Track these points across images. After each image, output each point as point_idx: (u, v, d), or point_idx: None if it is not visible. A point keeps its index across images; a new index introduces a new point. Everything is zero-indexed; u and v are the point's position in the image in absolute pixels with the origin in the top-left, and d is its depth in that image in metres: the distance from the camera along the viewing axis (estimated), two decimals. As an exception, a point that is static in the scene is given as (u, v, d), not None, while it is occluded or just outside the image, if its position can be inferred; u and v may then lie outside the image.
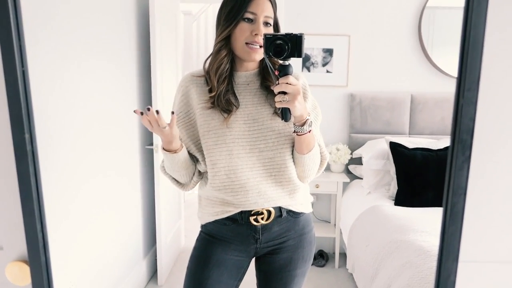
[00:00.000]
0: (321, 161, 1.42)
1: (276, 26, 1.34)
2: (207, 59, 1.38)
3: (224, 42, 1.31)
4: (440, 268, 0.71)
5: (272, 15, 1.31)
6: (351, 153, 3.18)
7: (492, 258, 0.72)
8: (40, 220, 0.72)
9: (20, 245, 0.80)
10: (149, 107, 1.17)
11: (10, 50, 0.65)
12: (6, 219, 0.80)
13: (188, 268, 1.44)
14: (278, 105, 1.21)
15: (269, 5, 1.30)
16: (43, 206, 0.72)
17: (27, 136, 0.68)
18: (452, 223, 0.68)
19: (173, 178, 1.43)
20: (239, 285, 1.46)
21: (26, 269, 0.82)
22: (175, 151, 1.30)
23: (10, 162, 0.72)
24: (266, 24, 1.30)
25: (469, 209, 0.69)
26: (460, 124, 0.65)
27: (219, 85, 1.32)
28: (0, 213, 0.80)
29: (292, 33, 1.18)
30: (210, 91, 1.34)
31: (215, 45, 1.33)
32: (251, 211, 1.35)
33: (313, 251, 1.50)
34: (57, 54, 1.73)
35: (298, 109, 1.20)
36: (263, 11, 1.28)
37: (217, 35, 1.33)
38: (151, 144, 2.83)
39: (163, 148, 1.31)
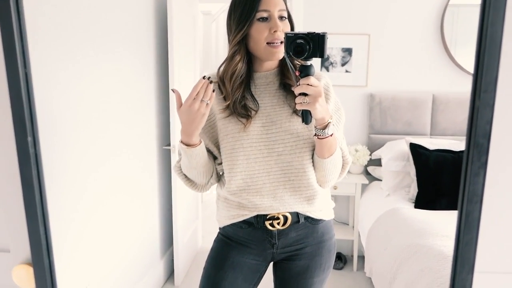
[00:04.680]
0: (342, 165, 1.36)
1: (289, 19, 1.29)
2: (220, 66, 1.33)
3: (239, 46, 1.27)
4: (454, 279, 0.67)
5: (285, 8, 1.26)
6: (370, 154, 3.12)
7: (509, 269, 0.68)
8: (44, 223, 0.72)
9: (26, 248, 0.80)
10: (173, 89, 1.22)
11: (12, 51, 0.65)
12: (12, 222, 0.80)
13: (204, 268, 1.43)
14: (298, 107, 1.16)
15: None
16: (46, 209, 0.72)
17: (30, 139, 0.68)
18: (467, 232, 0.65)
19: (188, 179, 1.37)
20: (255, 288, 1.44)
21: (32, 272, 0.82)
22: (194, 145, 1.23)
23: (14, 165, 0.71)
24: (281, 18, 1.25)
25: (486, 217, 0.65)
26: (476, 127, 0.61)
27: (234, 92, 1.27)
28: (7, 216, 0.80)
29: (314, 32, 1.12)
30: (225, 99, 1.30)
31: (229, 51, 1.29)
32: (266, 215, 1.32)
33: (333, 260, 1.44)
34: (69, 55, 1.73)
35: (319, 111, 1.15)
36: (276, 5, 1.23)
37: (230, 40, 1.28)
38: (169, 144, 2.84)
39: (181, 142, 1.24)
